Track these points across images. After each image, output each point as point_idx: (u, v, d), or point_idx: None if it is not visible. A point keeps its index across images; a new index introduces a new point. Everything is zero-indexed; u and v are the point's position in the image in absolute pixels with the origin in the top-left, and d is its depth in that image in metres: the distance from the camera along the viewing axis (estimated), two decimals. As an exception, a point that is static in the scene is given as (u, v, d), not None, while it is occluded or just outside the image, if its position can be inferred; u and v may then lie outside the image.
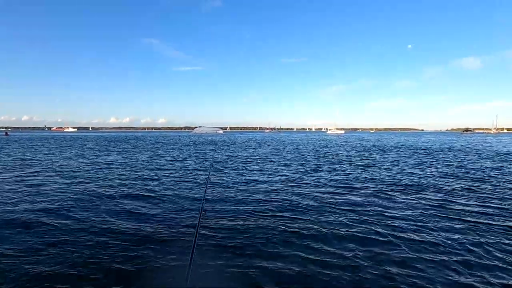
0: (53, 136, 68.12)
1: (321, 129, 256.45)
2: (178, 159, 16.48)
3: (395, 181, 9.30)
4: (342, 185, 8.60)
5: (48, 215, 5.59)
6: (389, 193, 7.58)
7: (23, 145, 29.27)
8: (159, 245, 4.10)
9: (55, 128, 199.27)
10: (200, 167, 12.60)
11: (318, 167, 12.69)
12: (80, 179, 9.52)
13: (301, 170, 11.67)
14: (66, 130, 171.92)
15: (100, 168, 12.16)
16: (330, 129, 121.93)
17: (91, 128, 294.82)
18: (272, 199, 6.72)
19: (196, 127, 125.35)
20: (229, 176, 10.00)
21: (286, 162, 14.68)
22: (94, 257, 3.78)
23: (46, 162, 14.66)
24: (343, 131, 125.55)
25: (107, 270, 3.45)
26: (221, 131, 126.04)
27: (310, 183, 8.85)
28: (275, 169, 12.07)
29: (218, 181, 8.93)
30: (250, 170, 11.56)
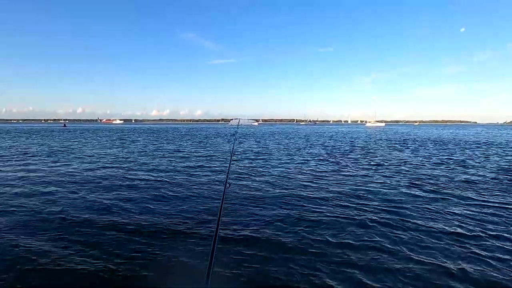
0: (102, 127, 73.91)
1: (357, 121, 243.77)
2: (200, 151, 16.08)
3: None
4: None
5: (62, 204, 5.43)
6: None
7: (74, 135, 31.83)
8: (177, 242, 3.81)
9: (104, 120, 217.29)
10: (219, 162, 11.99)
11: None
12: (106, 167, 9.57)
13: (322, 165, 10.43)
14: (114, 122, 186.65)
15: (129, 158, 12.08)
16: (369, 122, 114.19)
17: (134, 120, 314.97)
18: (293, 193, 6.30)
19: (232, 119, 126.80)
20: (248, 169, 9.43)
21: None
22: (106, 252, 3.53)
23: (82, 150, 15.20)
24: (383, 124, 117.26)
25: (122, 268, 3.18)
26: (256, 123, 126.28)
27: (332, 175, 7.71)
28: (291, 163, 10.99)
29: (237, 175, 8.38)
30: (267, 164, 10.66)
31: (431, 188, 6.77)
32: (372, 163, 10.88)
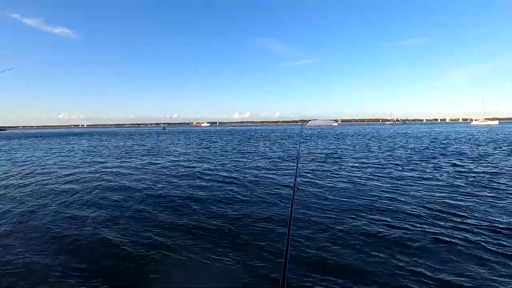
0: (192, 129, 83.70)
1: (457, 119, 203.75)
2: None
3: None
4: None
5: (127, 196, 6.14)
6: None
7: (168, 136, 37.08)
8: (248, 247, 3.73)
9: (195, 123, 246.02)
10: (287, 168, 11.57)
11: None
12: (184, 166, 10.60)
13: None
14: (202, 124, 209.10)
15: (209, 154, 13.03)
16: (475, 119, 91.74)
17: (218, 123, 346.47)
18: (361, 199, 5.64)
19: (310, 120, 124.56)
20: (319, 173, 8.84)
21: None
22: (171, 250, 3.70)
23: (169, 149, 17.36)
24: (496, 122, 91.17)
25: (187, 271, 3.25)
26: (335, 124, 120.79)
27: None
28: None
29: (307, 179, 7.92)
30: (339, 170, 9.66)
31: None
32: (470, 172, 8.86)
